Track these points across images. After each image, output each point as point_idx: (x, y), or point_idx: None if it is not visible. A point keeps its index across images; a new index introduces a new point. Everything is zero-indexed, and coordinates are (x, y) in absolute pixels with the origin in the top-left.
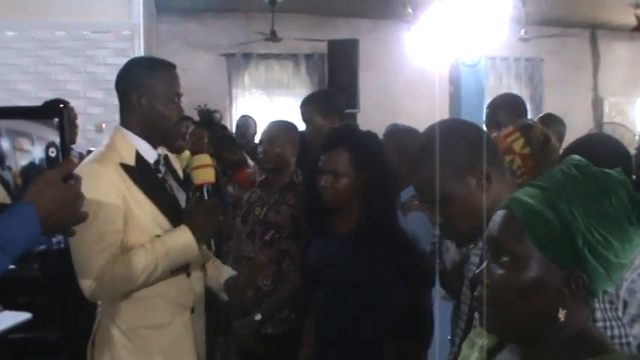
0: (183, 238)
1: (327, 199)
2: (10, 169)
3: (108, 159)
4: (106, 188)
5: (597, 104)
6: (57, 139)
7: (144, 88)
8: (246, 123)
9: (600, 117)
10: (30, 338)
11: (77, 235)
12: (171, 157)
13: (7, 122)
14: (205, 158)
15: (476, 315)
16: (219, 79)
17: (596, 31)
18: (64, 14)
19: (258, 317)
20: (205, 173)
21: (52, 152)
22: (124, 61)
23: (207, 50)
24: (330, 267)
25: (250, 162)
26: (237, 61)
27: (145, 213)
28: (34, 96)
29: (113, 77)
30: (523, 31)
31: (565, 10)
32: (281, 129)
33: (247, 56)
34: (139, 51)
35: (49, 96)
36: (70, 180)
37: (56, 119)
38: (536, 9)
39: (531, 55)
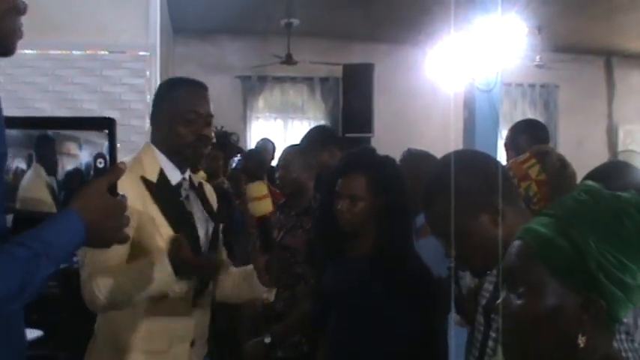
0: None
1: (343, 223)
2: (55, 174)
3: (129, 171)
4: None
5: (612, 132)
6: (105, 151)
7: (163, 107)
8: (264, 146)
9: (615, 144)
10: (40, 356)
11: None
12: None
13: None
14: (262, 188)
15: (489, 343)
16: (234, 101)
17: (611, 58)
18: (81, 34)
19: (268, 340)
20: (264, 205)
21: (100, 163)
22: (140, 81)
23: (223, 72)
24: (343, 291)
25: None
26: (253, 83)
27: (157, 229)
28: (50, 114)
29: (129, 97)
30: (538, 57)
31: (581, 37)
32: (296, 154)
33: (263, 79)
34: (156, 72)
35: (65, 115)
36: (117, 194)
37: (106, 130)
38: (551, 36)
39: (546, 82)
